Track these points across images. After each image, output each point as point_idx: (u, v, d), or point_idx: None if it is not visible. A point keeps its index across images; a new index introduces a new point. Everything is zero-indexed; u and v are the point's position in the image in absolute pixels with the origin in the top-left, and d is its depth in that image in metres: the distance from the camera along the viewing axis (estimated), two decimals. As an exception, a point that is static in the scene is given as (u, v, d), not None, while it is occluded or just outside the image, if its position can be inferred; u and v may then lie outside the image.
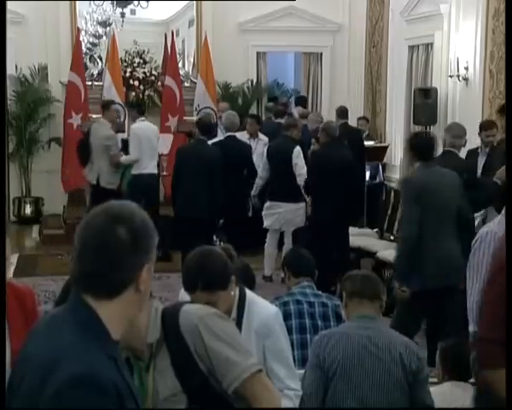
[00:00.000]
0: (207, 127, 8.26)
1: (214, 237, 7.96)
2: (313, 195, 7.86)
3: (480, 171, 6.82)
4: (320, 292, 4.59)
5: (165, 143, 9.80)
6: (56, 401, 1.63)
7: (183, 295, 3.22)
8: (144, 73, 11.29)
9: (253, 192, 8.67)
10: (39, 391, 1.67)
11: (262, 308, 3.26)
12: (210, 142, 8.27)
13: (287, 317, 4.20)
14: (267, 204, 8.34)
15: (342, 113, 9.97)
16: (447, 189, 5.34)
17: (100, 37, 12.53)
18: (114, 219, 1.78)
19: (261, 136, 9.50)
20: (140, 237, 1.79)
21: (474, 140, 7.04)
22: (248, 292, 3.29)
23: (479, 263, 3.72)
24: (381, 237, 8.85)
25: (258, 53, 12.06)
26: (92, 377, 1.64)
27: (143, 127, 9.00)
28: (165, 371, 2.32)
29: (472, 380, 3.56)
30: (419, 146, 5.46)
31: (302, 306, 4.36)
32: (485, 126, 7.04)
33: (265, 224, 8.38)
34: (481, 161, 6.91)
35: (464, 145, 6.53)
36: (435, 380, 3.86)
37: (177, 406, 2.32)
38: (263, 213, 8.43)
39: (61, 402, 1.62)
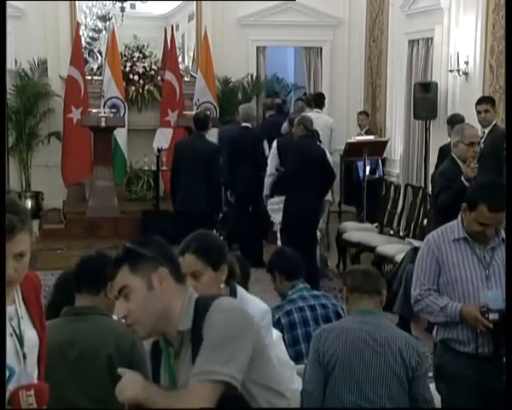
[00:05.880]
0: (202, 122, 8.28)
1: (214, 232, 7.94)
2: (291, 188, 7.63)
3: None
4: (316, 291, 4.53)
5: (164, 138, 9.80)
6: None
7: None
8: (144, 67, 11.27)
9: (266, 192, 8.41)
10: None
11: (254, 304, 3.25)
12: None
13: (292, 327, 4.17)
14: (275, 199, 8.28)
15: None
16: None
17: (99, 31, 12.50)
18: None
19: None
20: None
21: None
22: (239, 289, 3.27)
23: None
24: (381, 231, 8.86)
25: (257, 47, 12.03)
26: None
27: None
28: (187, 360, 2.32)
29: None
30: None
31: (305, 313, 4.24)
32: (479, 100, 7.31)
33: (277, 219, 8.28)
34: None
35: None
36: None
37: None
38: (269, 207, 8.38)
39: None
